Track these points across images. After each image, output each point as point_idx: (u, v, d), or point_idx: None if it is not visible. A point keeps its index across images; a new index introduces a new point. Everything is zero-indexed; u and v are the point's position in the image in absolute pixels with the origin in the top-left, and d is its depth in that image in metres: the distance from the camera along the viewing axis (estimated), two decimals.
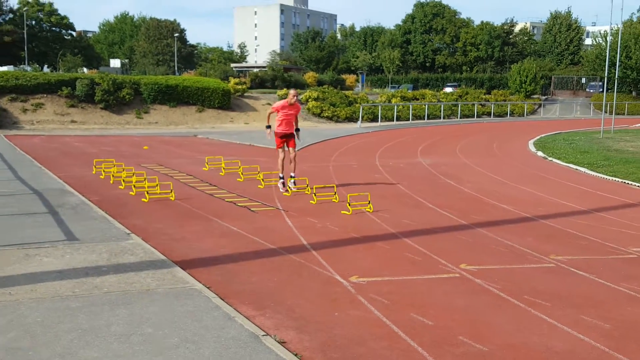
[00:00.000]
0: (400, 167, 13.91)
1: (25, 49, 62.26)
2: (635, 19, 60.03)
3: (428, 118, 35.78)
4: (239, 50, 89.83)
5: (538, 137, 22.83)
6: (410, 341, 4.02)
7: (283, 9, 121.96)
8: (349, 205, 8.28)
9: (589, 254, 6.35)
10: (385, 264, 5.83)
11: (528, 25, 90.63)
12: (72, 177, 11.04)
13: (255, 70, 46.42)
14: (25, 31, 62.93)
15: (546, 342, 4.06)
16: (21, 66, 52.09)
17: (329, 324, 4.30)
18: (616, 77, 29.34)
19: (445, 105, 38.40)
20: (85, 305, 4.38)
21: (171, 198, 9.04)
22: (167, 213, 8.09)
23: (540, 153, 17.24)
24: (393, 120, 33.47)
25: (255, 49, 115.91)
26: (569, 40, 69.76)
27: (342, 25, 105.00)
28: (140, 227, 7.15)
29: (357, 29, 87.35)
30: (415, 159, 15.77)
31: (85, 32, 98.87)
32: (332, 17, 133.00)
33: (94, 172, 11.72)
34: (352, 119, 32.87)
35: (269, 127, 10.04)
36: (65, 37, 72.07)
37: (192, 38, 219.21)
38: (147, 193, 8.97)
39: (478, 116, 39.50)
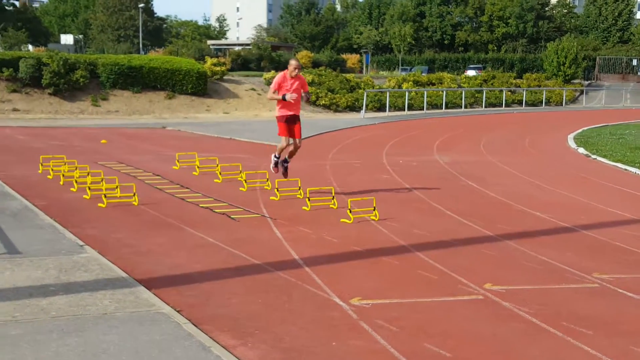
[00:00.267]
0: (413, 166, 13.93)
1: None
2: None
3: (446, 107, 35.89)
4: (217, 25, 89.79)
5: (579, 131, 22.92)
6: None
7: None
8: (350, 212, 8.29)
9: None
10: (394, 283, 5.83)
11: None
12: (13, 177, 11.00)
13: (237, 48, 46.45)
14: None
15: None
16: None
17: (325, 356, 4.29)
18: None
19: (467, 92, 38.51)
20: (28, 333, 4.36)
21: (134, 203, 9.02)
22: (129, 221, 8.07)
23: (581, 150, 17.30)
24: (404, 110, 33.55)
25: (237, 23, 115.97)
26: (617, 14, 70.07)
27: None
28: (97, 237, 7.13)
29: None
30: (431, 156, 15.80)
31: (31, 1, 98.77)
32: None
33: (40, 172, 11.68)
34: (354, 107, 32.92)
35: (284, 96, 9.46)
36: (7, 7, 71.98)
37: (160, 10, 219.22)
38: (105, 197, 8.96)
39: (507, 105, 39.62)
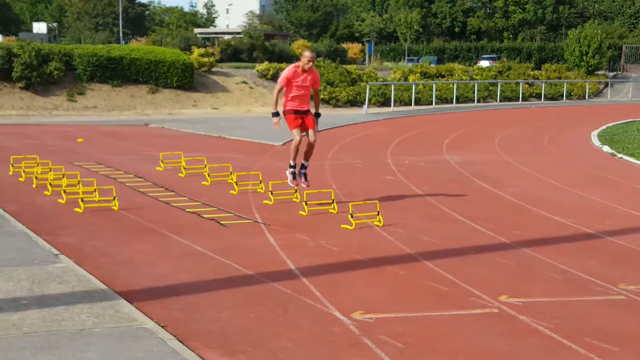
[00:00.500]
0: (420, 167, 13.95)
1: None
2: None
3: (457, 101, 35.93)
4: (205, 11, 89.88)
5: (604, 127, 22.95)
6: None
7: None
8: (352, 217, 8.30)
9: None
10: (399, 295, 5.84)
11: None
12: None
13: (227, 37, 46.50)
14: None
15: None
16: None
17: None
18: None
19: (481, 85, 38.55)
20: None
21: (114, 208, 9.03)
22: (109, 227, 8.08)
23: (606, 148, 17.33)
24: (410, 105, 33.58)
25: (227, 10, 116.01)
26: None
27: None
28: (73, 246, 7.13)
29: None
30: (440, 155, 15.82)
31: None
32: None
33: (10, 173, 11.69)
34: (355, 102, 32.96)
35: (276, 114, 9.20)
36: None
37: None
38: (82, 201, 8.97)
39: (524, 99, 39.67)
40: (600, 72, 49.63)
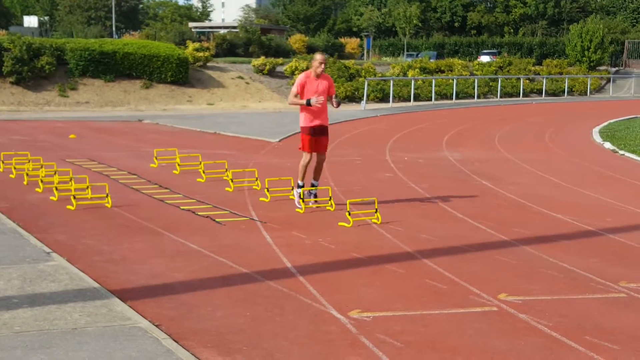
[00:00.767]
0: (419, 164, 13.96)
1: None
2: None
3: (457, 97, 35.94)
4: (199, 5, 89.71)
5: (605, 124, 22.98)
6: None
7: None
8: (349, 214, 8.31)
9: None
10: (398, 293, 5.86)
11: None
12: None
13: (223, 31, 46.44)
14: None
15: None
16: None
17: None
18: None
19: (481, 80, 38.57)
20: None
21: (107, 205, 9.03)
22: (102, 225, 8.08)
23: (608, 145, 17.37)
24: (409, 101, 33.59)
25: (223, 4, 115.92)
26: None
27: None
28: (65, 244, 7.14)
29: None
30: (440, 152, 15.84)
31: None
32: None
33: (1, 170, 11.69)
34: (353, 98, 32.95)
35: (309, 101, 8.83)
36: None
37: None
38: (74, 198, 8.97)
39: (525, 95, 39.70)
40: (602, 68, 49.66)
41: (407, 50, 60.27)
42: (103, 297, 5.41)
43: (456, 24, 74.39)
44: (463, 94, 36.83)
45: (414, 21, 64.66)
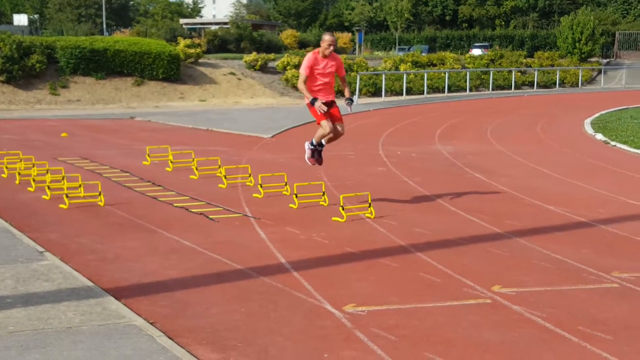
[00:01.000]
0: (412, 158, 13.98)
1: None
2: None
3: (449, 90, 35.98)
4: (190, 1, 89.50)
5: (597, 115, 23.04)
6: None
7: None
8: (343, 209, 8.32)
9: None
10: (392, 287, 5.87)
11: None
12: None
13: (214, 27, 46.38)
14: None
15: None
16: None
17: None
18: None
19: (473, 73, 38.62)
20: None
21: (100, 203, 9.02)
22: (95, 224, 8.07)
23: (599, 136, 17.41)
24: (402, 95, 33.62)
25: (213, 0, 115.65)
26: None
27: None
28: (58, 243, 7.13)
29: None
30: (432, 146, 15.86)
31: None
32: None
33: None
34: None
35: (314, 100, 8.58)
36: None
37: None
38: (67, 197, 8.95)
39: (516, 87, 39.78)
40: (593, 59, 49.79)
41: (399, 44, 60.28)
42: (97, 296, 5.41)
43: (447, 18, 74.44)
44: (455, 87, 36.88)
45: (406, 15, 64.65)
